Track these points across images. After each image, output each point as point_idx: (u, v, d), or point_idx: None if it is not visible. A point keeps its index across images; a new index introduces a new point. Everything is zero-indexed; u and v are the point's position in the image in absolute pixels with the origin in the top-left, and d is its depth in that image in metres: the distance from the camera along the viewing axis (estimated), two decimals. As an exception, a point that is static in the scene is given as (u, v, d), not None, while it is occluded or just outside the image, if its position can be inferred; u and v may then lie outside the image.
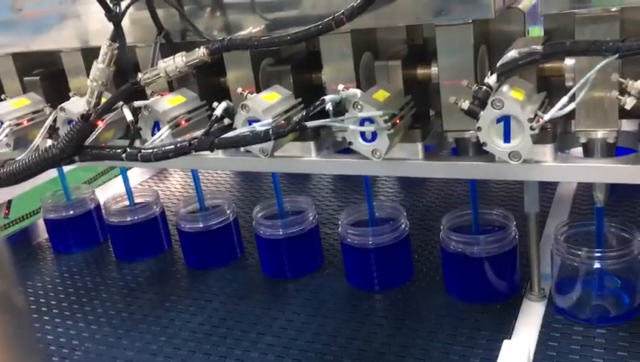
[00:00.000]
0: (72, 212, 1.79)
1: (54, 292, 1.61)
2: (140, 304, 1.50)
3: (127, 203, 1.75)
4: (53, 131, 1.25)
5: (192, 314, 1.43)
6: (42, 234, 1.91)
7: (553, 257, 1.25)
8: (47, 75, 1.42)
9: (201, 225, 1.60)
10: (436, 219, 1.66)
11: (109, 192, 1.91)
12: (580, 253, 1.20)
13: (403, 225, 1.42)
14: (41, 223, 1.90)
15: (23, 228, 1.95)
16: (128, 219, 1.69)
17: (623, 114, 0.98)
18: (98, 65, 1.08)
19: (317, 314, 1.37)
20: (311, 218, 1.53)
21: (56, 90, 1.40)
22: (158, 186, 2.18)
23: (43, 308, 1.54)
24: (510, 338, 1.17)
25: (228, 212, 1.62)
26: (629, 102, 0.88)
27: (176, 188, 2.18)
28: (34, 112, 1.36)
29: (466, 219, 1.39)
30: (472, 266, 1.33)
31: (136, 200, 1.75)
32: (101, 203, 1.82)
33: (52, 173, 1.65)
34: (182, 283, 1.58)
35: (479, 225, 1.36)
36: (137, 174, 2.24)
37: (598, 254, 1.19)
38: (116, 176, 2.20)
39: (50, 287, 1.64)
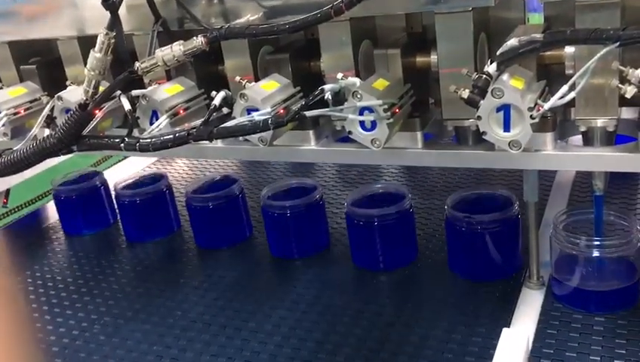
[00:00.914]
0: (82, 193, 1.82)
1: (70, 271, 1.63)
2: (154, 281, 1.53)
3: (136, 184, 1.80)
4: (50, 120, 1.25)
5: (205, 290, 1.46)
6: (53, 216, 1.93)
7: (552, 245, 1.25)
8: (43, 63, 1.42)
9: (210, 204, 1.62)
10: (439, 199, 1.71)
11: (115, 175, 1.94)
12: (578, 241, 1.20)
13: (407, 205, 1.44)
14: (50, 206, 1.93)
15: (32, 211, 1.99)
16: (138, 198, 1.72)
17: (623, 102, 0.97)
18: (95, 55, 1.07)
19: (323, 293, 1.39)
20: (317, 197, 1.55)
21: (53, 78, 1.39)
22: (165, 169, 2.20)
23: (60, 285, 1.56)
24: (509, 327, 1.17)
25: (236, 191, 1.64)
26: (630, 91, 0.88)
27: (183, 170, 2.20)
28: (31, 101, 1.36)
29: (471, 199, 1.42)
30: (476, 243, 1.35)
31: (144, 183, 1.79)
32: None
33: (50, 161, 1.65)
34: (193, 262, 1.61)
35: (482, 205, 1.39)
36: (143, 158, 2.24)
37: (597, 242, 1.19)
38: (122, 159, 2.24)
39: (66, 266, 1.66)
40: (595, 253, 1.20)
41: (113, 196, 1.79)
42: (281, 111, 1.05)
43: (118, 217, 1.82)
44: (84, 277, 1.59)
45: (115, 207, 1.81)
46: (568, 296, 1.24)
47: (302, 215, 1.53)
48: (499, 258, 1.34)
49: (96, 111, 1.08)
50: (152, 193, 1.72)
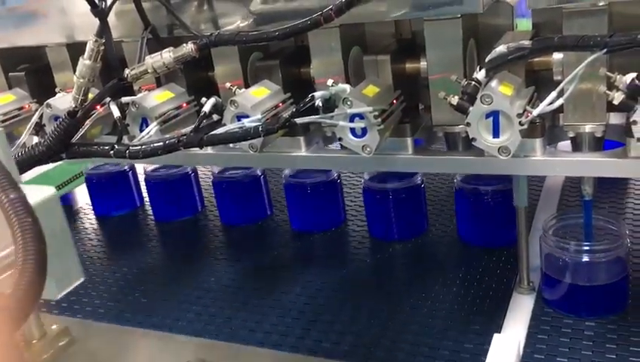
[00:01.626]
0: (112, 175, 1.94)
1: (105, 246, 1.77)
2: (186, 254, 1.67)
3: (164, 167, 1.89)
4: (39, 128, 1.24)
5: (236, 260, 1.60)
6: (81, 199, 2.06)
7: (542, 250, 1.25)
8: (32, 70, 1.41)
9: (236, 183, 1.76)
10: (445, 180, 1.86)
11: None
12: (568, 246, 1.21)
13: (419, 180, 1.58)
14: (78, 190, 2.06)
15: (61, 195, 2.08)
16: (167, 179, 1.85)
17: (611, 107, 0.98)
18: (84, 62, 1.07)
19: (344, 260, 1.55)
20: (335, 176, 1.68)
21: (41, 85, 1.38)
22: None
23: (99, 257, 1.69)
24: (500, 332, 1.17)
25: (258, 171, 1.77)
26: (617, 97, 0.89)
27: None
28: (19, 108, 1.35)
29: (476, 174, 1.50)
30: (483, 211, 1.48)
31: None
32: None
33: (39, 169, 1.65)
34: (220, 238, 1.75)
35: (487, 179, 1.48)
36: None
37: (587, 247, 1.20)
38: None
39: (100, 243, 1.79)
40: (585, 258, 1.20)
41: (142, 179, 1.94)
42: (268, 120, 1.05)
43: (145, 200, 1.96)
44: (119, 250, 1.73)
45: (142, 189, 1.96)
46: (558, 301, 1.25)
47: (321, 191, 1.67)
48: (504, 225, 1.42)
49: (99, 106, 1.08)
50: (179, 175, 1.85)
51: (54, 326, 1.00)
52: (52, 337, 0.93)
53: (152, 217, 1.89)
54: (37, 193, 0.59)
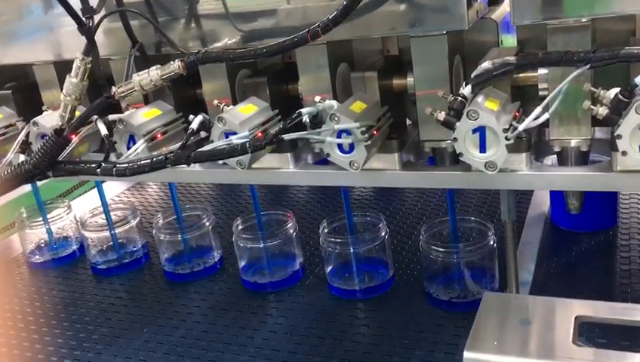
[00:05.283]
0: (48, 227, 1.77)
1: (32, 308, 1.58)
2: (119, 318, 1.49)
3: (103, 216, 1.72)
4: (26, 146, 1.23)
5: (173, 327, 1.42)
6: (18, 248, 1.87)
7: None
8: (19, 88, 1.40)
9: (180, 236, 1.61)
10: (414, 226, 1.71)
11: (85, 205, 1.90)
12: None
13: (382, 232, 1.44)
14: (15, 238, 1.87)
15: None
16: (105, 233, 1.69)
17: (596, 122, 0.99)
18: (71, 80, 1.07)
19: (299, 324, 1.37)
20: (291, 230, 1.53)
21: (28, 103, 1.38)
22: (135, 198, 2.16)
23: (20, 325, 1.51)
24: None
25: (207, 224, 1.62)
26: (602, 112, 0.90)
27: (154, 198, 2.16)
28: (6, 127, 1.34)
29: (444, 228, 1.41)
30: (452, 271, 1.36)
31: (114, 214, 1.74)
32: (77, 216, 1.80)
33: (26, 187, 1.63)
34: (162, 296, 1.57)
35: (458, 234, 1.38)
36: (114, 186, 2.21)
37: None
38: (92, 188, 2.18)
39: (27, 303, 1.60)
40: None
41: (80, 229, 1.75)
42: (259, 134, 1.05)
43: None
44: (54, 309, 1.57)
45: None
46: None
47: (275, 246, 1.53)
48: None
49: (73, 136, 1.07)
50: (119, 227, 1.70)
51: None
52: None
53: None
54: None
